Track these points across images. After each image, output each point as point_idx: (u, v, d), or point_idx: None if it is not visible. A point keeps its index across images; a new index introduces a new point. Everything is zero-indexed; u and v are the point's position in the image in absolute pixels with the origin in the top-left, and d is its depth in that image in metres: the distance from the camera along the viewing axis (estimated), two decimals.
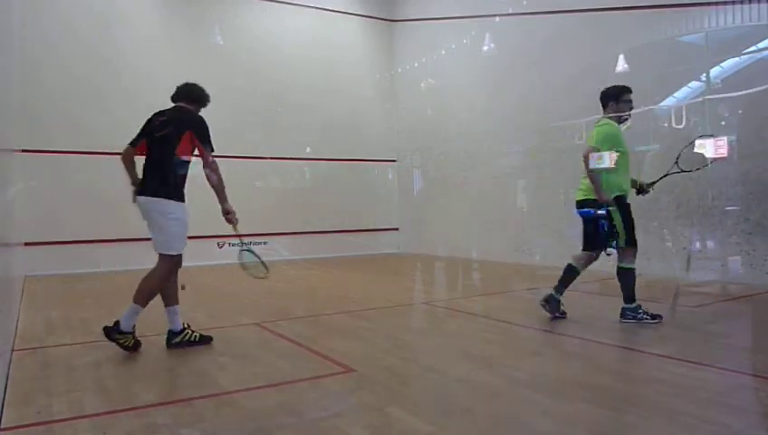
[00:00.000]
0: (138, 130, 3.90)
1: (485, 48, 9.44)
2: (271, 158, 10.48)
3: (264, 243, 10.20)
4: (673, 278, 6.32)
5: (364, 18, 11.66)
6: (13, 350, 3.76)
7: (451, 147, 10.28)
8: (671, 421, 2.33)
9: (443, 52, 10.57)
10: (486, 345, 3.80)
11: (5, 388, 2.89)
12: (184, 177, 3.85)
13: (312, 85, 10.80)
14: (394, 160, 11.90)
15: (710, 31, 6.58)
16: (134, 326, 3.62)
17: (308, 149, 10.94)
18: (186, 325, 3.83)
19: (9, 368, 3.29)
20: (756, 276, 5.93)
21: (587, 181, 4.30)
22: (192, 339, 3.78)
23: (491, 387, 2.84)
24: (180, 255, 3.81)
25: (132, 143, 3.85)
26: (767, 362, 3.24)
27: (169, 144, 3.74)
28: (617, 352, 3.47)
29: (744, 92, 6.09)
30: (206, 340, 3.83)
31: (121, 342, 3.56)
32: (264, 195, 10.40)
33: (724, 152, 6.28)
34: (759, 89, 5.95)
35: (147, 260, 9.91)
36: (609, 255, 4.24)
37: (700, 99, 6.58)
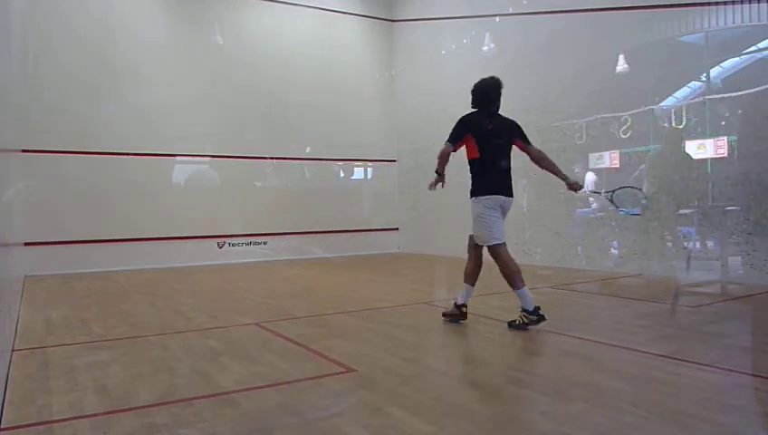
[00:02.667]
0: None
1: (485, 48, 9.44)
2: (271, 158, 10.49)
3: (264, 243, 10.22)
4: (673, 278, 6.33)
5: (364, 18, 11.67)
6: (13, 350, 3.76)
7: None
8: (671, 421, 2.32)
9: (443, 52, 10.57)
10: (486, 345, 3.81)
11: (5, 388, 2.89)
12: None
13: (311, 85, 10.81)
14: (394, 160, 11.90)
15: (710, 31, 6.59)
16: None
17: (308, 149, 10.95)
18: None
19: (9, 368, 3.29)
20: (756, 276, 5.93)
21: None
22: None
23: (491, 387, 2.84)
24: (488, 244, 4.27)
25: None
26: (767, 362, 3.24)
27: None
28: (617, 352, 3.47)
29: (744, 92, 6.10)
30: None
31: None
32: (263, 195, 10.41)
33: (724, 152, 6.31)
34: (759, 89, 5.95)
35: (146, 260, 9.90)
36: None
37: (700, 99, 6.59)
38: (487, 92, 4.31)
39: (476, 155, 4.24)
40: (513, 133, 4.31)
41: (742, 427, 2.31)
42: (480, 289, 6.23)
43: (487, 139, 4.21)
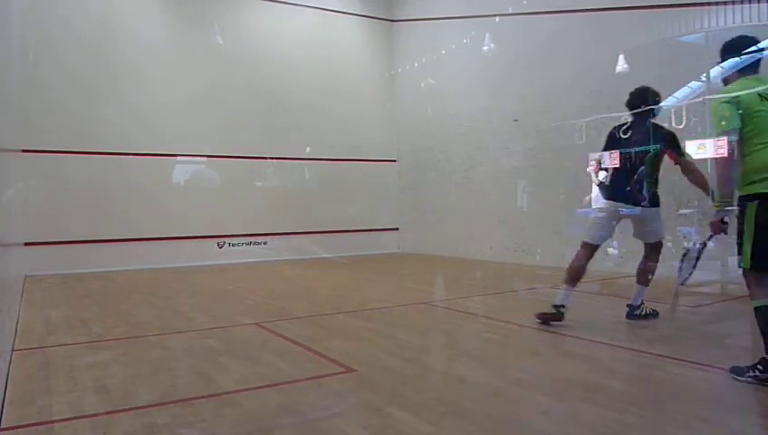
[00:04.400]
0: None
1: (485, 48, 9.44)
2: (271, 158, 10.49)
3: (264, 243, 10.23)
4: (673, 278, 6.30)
5: (364, 18, 11.67)
6: (13, 350, 3.76)
7: (451, 147, 10.28)
8: (671, 421, 2.33)
9: (443, 52, 10.56)
10: (486, 345, 3.80)
11: (5, 388, 2.89)
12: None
13: (311, 85, 10.81)
14: (394, 160, 11.90)
15: (710, 31, 6.58)
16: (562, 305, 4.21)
17: (308, 149, 10.95)
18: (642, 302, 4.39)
19: (9, 368, 3.29)
20: None
21: None
22: (645, 313, 4.35)
23: (491, 387, 2.84)
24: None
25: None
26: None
27: None
28: (617, 352, 3.47)
29: (743, 92, 6.09)
30: (654, 314, 4.37)
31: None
32: (263, 195, 10.40)
33: (724, 152, 6.30)
34: (759, 89, 5.94)
35: (146, 260, 9.88)
36: None
37: (700, 99, 6.58)
38: (630, 101, 4.52)
39: (609, 163, 4.45)
40: (660, 143, 4.28)
41: (742, 427, 2.31)
42: (480, 289, 6.22)
43: (616, 148, 4.40)
